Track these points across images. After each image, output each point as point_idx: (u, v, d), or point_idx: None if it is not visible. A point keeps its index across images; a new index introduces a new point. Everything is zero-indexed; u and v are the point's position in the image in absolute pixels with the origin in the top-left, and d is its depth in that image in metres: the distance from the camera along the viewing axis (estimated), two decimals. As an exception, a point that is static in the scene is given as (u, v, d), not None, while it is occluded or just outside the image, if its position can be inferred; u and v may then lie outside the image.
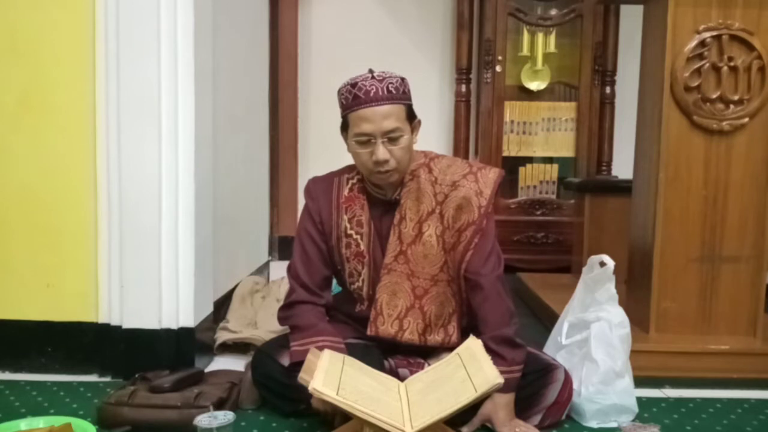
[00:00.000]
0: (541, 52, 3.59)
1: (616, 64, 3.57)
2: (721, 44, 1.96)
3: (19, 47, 1.89)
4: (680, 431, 1.60)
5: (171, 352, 1.88)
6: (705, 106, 1.97)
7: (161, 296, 1.88)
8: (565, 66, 3.64)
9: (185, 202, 1.87)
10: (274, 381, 1.61)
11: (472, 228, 1.59)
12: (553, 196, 3.62)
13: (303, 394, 1.39)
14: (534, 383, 1.56)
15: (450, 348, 1.60)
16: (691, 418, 1.68)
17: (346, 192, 1.67)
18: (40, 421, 1.45)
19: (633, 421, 1.61)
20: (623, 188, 2.48)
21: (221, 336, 2.11)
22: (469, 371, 1.43)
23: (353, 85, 1.54)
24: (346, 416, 1.41)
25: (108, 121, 1.88)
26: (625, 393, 1.61)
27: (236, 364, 1.96)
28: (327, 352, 1.51)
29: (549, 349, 1.82)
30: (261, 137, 3.02)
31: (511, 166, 3.51)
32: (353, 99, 1.53)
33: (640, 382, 1.72)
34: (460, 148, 3.57)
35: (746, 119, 1.98)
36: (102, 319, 1.94)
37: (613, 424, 1.59)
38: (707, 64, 1.97)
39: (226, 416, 1.38)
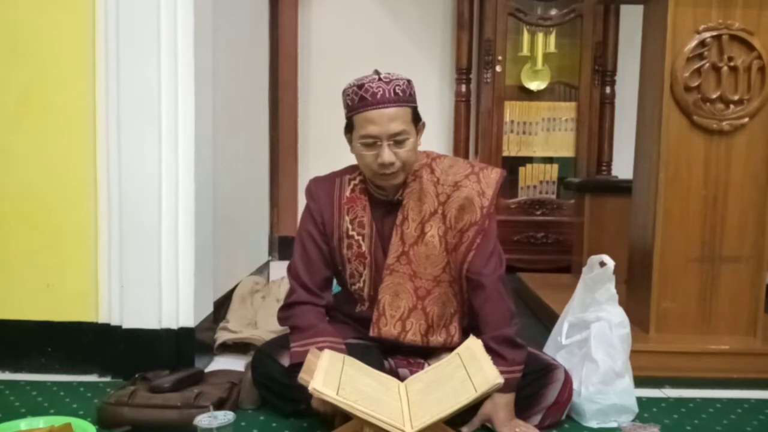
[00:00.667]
0: (541, 52, 3.59)
1: (616, 64, 3.57)
2: (721, 44, 1.96)
3: (19, 47, 1.89)
4: (680, 431, 1.60)
5: (171, 352, 1.88)
6: (705, 106, 1.97)
7: (161, 296, 1.88)
8: (565, 66, 3.64)
9: (185, 202, 1.87)
10: (274, 381, 1.61)
11: (474, 228, 1.59)
12: (553, 196, 3.62)
13: (303, 394, 1.39)
14: (534, 383, 1.56)
15: (451, 348, 1.60)
16: (691, 418, 1.68)
17: (347, 193, 1.66)
18: (40, 421, 1.45)
19: (633, 421, 1.61)
20: (623, 188, 2.48)
21: (221, 336, 2.11)
22: (469, 371, 1.43)
23: (359, 86, 1.53)
24: (346, 416, 1.41)
25: (108, 121, 1.88)
26: (625, 393, 1.61)
27: (236, 364, 1.96)
28: (327, 352, 1.51)
29: (549, 349, 1.82)
30: (261, 137, 3.02)
31: (511, 166, 3.51)
32: (359, 101, 1.52)
33: (640, 382, 1.72)
34: (460, 148, 3.57)
35: (746, 119, 1.98)
36: (102, 319, 1.94)
37: (613, 424, 1.59)
38: (707, 64, 1.97)
39: (226, 416, 1.38)
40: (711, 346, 1.99)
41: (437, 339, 1.63)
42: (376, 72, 1.56)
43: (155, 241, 1.86)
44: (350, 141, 1.61)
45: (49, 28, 1.88)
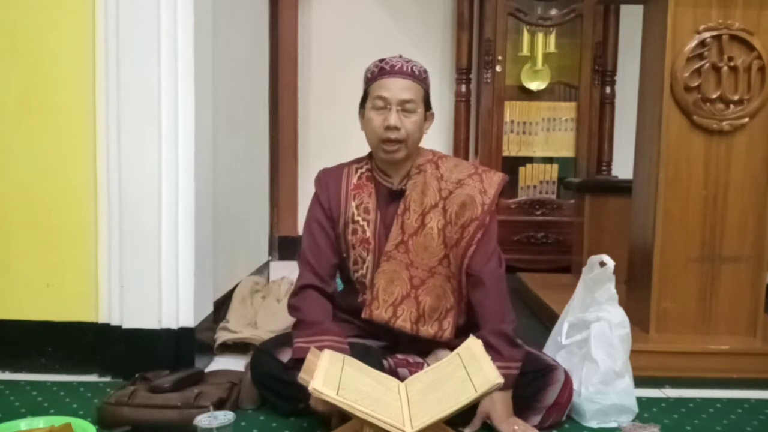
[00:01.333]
0: (541, 52, 3.59)
1: (616, 64, 3.57)
2: (721, 44, 1.96)
3: (19, 47, 1.89)
4: (680, 431, 1.60)
5: (171, 352, 1.88)
6: (705, 106, 1.97)
7: (161, 296, 1.88)
8: (565, 66, 3.64)
9: (185, 202, 1.87)
10: (273, 379, 1.61)
11: (475, 224, 1.63)
12: (553, 196, 3.62)
13: (302, 392, 1.40)
14: (534, 383, 1.56)
15: (441, 343, 1.64)
16: (691, 418, 1.68)
17: (354, 180, 1.72)
18: (40, 421, 1.45)
19: (633, 421, 1.61)
20: (623, 188, 2.48)
21: (221, 336, 2.11)
22: (469, 371, 1.43)
23: (381, 60, 1.66)
24: (343, 416, 1.41)
25: (108, 121, 1.88)
26: (625, 393, 1.61)
27: (236, 364, 1.96)
28: (327, 352, 1.51)
29: (549, 349, 1.82)
30: (261, 137, 3.02)
31: (511, 166, 3.52)
32: (379, 71, 1.64)
33: (640, 382, 1.72)
34: (460, 148, 3.57)
35: (746, 119, 1.98)
36: (102, 319, 1.94)
37: (613, 424, 1.59)
38: (707, 64, 1.97)
39: (226, 416, 1.37)
40: (711, 346, 1.99)
41: (428, 330, 1.64)
42: (400, 55, 1.69)
43: (155, 241, 1.86)
44: (361, 116, 1.68)
45: (49, 28, 1.88)
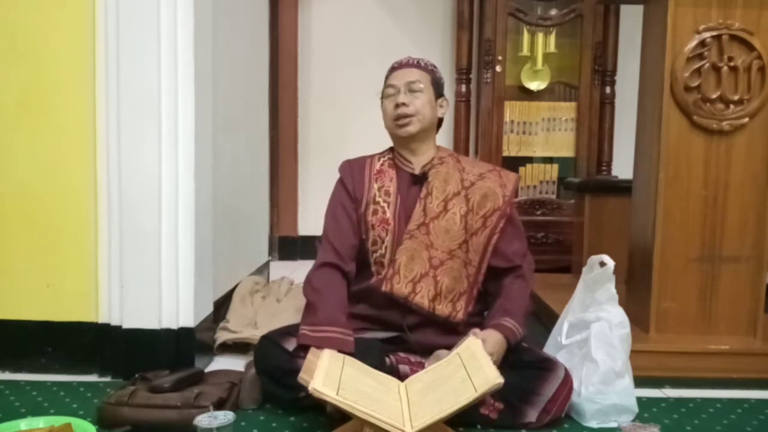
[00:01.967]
0: (541, 52, 3.59)
1: (616, 64, 3.57)
2: (721, 44, 1.96)
3: (19, 47, 1.89)
4: (680, 431, 1.60)
5: (171, 352, 1.88)
6: (705, 106, 1.97)
7: (161, 296, 1.88)
8: (565, 66, 3.64)
9: (185, 202, 1.88)
10: (277, 367, 1.62)
11: (497, 213, 1.73)
12: (553, 196, 3.62)
13: None
14: (533, 374, 1.58)
15: (455, 332, 1.69)
16: (691, 418, 1.68)
17: (377, 166, 1.82)
18: (40, 421, 1.45)
19: (633, 421, 1.61)
20: (623, 188, 2.47)
21: (221, 336, 2.11)
22: (469, 371, 1.43)
23: (394, 61, 1.82)
24: (344, 416, 1.41)
25: (108, 121, 1.88)
26: (625, 393, 1.61)
27: (236, 364, 1.96)
28: (327, 352, 1.52)
29: (549, 349, 1.82)
30: (261, 137, 3.02)
31: (511, 166, 3.49)
32: (390, 69, 1.81)
33: (640, 382, 1.72)
34: (460, 148, 3.57)
35: (746, 119, 1.98)
36: (102, 319, 1.94)
37: (613, 424, 1.59)
38: (707, 64, 1.97)
39: (226, 416, 1.38)
40: (711, 346, 1.99)
41: (443, 309, 1.70)
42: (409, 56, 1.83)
43: (155, 241, 1.86)
44: (384, 110, 1.81)
45: (49, 28, 1.88)
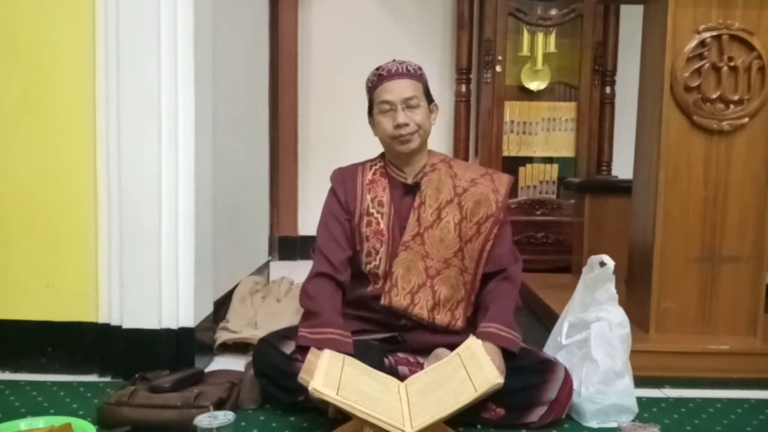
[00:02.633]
0: (541, 52, 3.59)
1: (616, 64, 3.57)
2: (721, 44, 1.96)
3: (19, 47, 1.89)
4: (680, 431, 1.60)
5: (171, 352, 1.89)
6: (705, 106, 1.97)
7: (161, 296, 1.88)
8: (565, 66, 3.64)
9: (185, 202, 1.88)
10: (275, 369, 1.62)
11: (491, 220, 1.70)
12: (553, 196, 3.62)
13: (302, 384, 1.40)
14: (534, 377, 1.57)
15: (453, 332, 1.68)
16: (691, 418, 1.68)
17: (369, 176, 1.79)
18: (40, 421, 1.45)
19: (633, 421, 1.61)
20: (623, 188, 2.48)
21: (221, 336, 2.11)
22: (469, 371, 1.43)
23: (377, 68, 1.74)
24: (344, 416, 1.41)
25: (108, 121, 1.88)
26: (625, 393, 1.61)
27: (236, 364, 1.96)
28: (327, 353, 1.52)
29: (549, 349, 1.82)
30: (261, 137, 3.02)
31: (511, 166, 3.51)
32: (378, 79, 1.72)
33: (640, 382, 1.72)
34: (460, 148, 3.57)
35: (746, 119, 1.98)
36: (102, 319, 1.94)
37: (613, 424, 1.59)
38: (707, 64, 1.97)
39: (226, 416, 1.38)
40: (711, 346, 1.99)
41: (442, 318, 1.70)
42: (393, 59, 1.77)
43: (155, 241, 1.86)
44: (372, 123, 1.76)
45: (49, 28, 1.88)
